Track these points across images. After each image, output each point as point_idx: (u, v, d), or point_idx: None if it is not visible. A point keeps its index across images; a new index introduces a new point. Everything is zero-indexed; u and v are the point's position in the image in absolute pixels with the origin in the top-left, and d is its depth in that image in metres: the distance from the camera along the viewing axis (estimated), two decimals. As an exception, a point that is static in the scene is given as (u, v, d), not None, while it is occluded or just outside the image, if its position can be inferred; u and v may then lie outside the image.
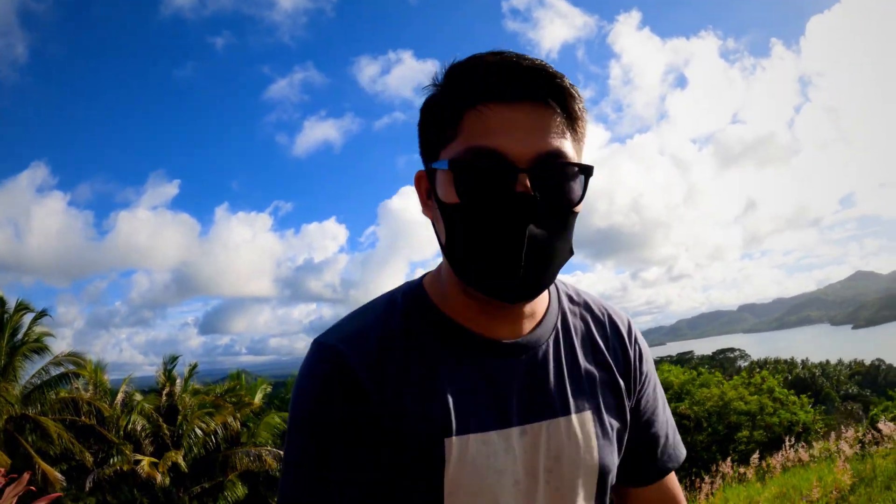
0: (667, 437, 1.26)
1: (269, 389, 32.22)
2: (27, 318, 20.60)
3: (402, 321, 1.05)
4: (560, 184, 0.94)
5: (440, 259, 1.09)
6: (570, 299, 1.21)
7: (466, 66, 0.97)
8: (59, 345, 20.75)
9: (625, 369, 1.18)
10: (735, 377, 28.37)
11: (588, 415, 1.09)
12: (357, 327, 1.04)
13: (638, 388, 1.21)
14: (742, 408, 23.30)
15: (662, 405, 1.27)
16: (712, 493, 10.47)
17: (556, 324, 1.13)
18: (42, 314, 20.96)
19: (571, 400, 1.08)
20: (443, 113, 0.98)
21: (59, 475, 19.45)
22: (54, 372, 21.06)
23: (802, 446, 12.10)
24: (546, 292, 1.14)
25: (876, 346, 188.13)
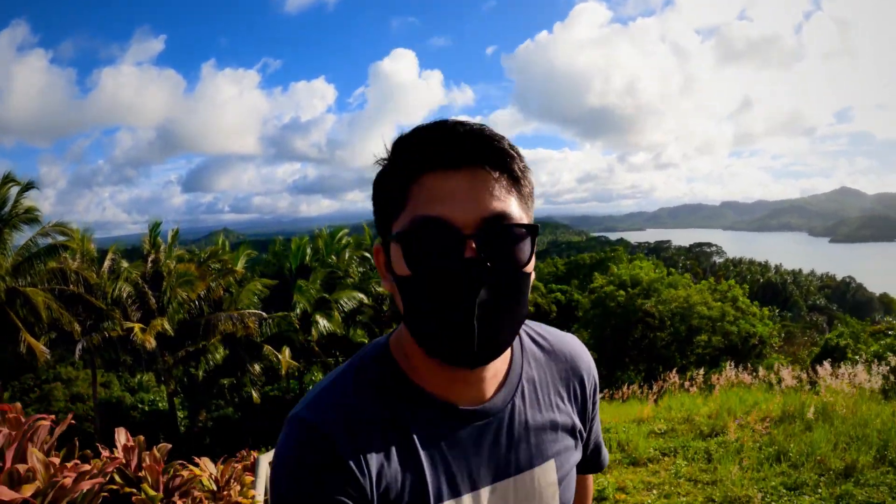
0: (595, 449, 1.38)
1: (252, 255, 32.96)
2: (14, 191, 20.89)
3: (374, 392, 1.06)
4: (507, 246, 0.95)
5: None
6: (535, 343, 1.24)
7: (409, 138, 0.99)
8: (43, 206, 21.00)
9: (582, 410, 1.25)
10: (703, 282, 29.26)
11: (550, 464, 1.16)
12: (332, 401, 1.04)
13: (588, 416, 1.29)
14: (704, 312, 24.29)
15: (597, 424, 1.37)
16: (660, 398, 11.38)
17: (520, 377, 1.17)
18: (29, 186, 21.19)
19: (535, 453, 1.14)
20: (390, 186, 1.00)
21: (44, 348, 20.31)
22: (42, 243, 21.53)
23: (747, 368, 12.77)
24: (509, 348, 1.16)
25: (850, 264, 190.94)
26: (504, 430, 1.12)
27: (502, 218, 0.94)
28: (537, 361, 1.22)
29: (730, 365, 12.06)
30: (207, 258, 28.60)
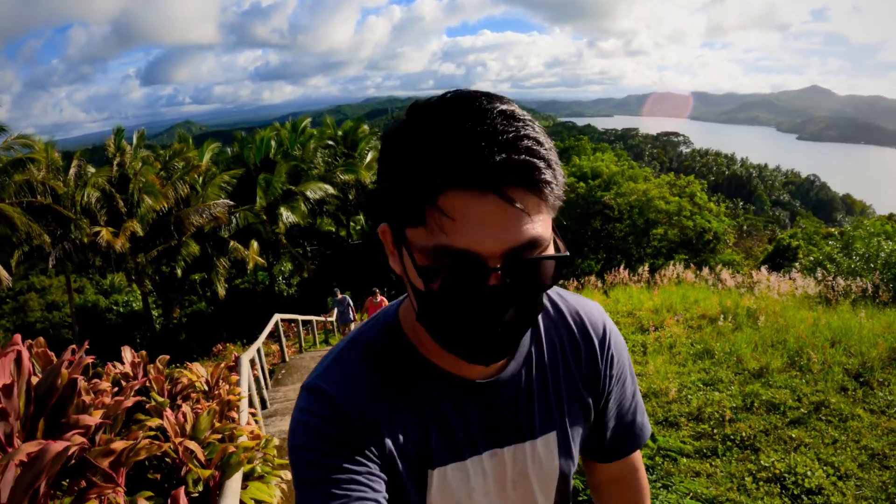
0: (633, 422, 1.32)
1: (217, 149, 32.92)
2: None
3: (384, 363, 1.09)
4: (535, 272, 0.91)
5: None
6: (545, 310, 1.22)
7: (432, 137, 0.86)
8: None
9: (593, 381, 1.22)
10: (662, 176, 29.77)
11: (552, 436, 1.18)
12: (344, 371, 1.08)
13: (608, 391, 1.25)
14: (662, 206, 24.88)
15: (631, 393, 1.31)
16: (611, 290, 12.12)
17: (529, 348, 1.16)
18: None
19: (538, 423, 1.16)
20: (406, 187, 0.89)
21: (5, 273, 20.56)
22: (6, 157, 21.50)
23: (696, 265, 13.45)
24: None
25: (815, 162, 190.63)
26: (508, 400, 1.14)
27: (534, 246, 0.88)
28: (547, 329, 1.21)
29: (675, 264, 12.68)
30: (172, 157, 28.58)
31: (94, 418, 1.81)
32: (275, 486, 3.45)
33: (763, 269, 11.66)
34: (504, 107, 0.88)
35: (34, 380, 2.00)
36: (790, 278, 11.23)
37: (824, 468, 4.18)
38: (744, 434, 4.75)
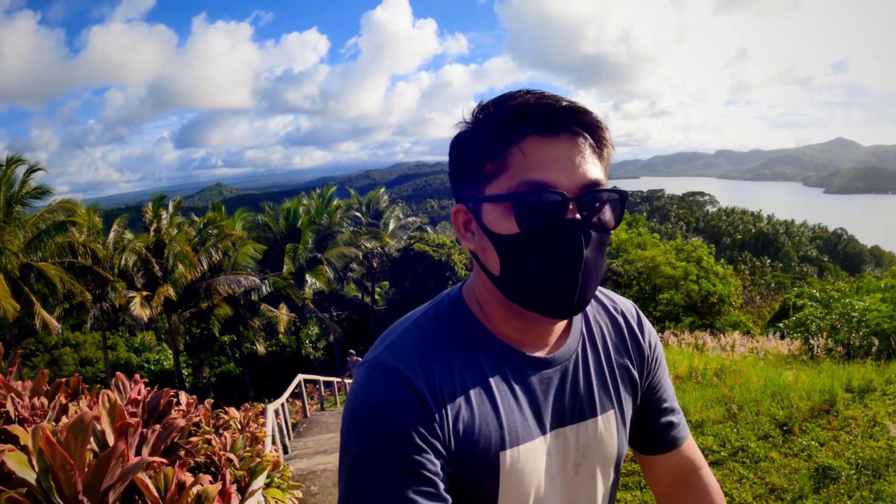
0: (678, 411, 1.35)
1: (249, 217, 34.25)
2: (21, 170, 22.12)
3: (451, 337, 1.09)
4: (603, 209, 1.01)
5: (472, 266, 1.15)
6: (596, 299, 1.30)
7: (502, 104, 1.02)
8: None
9: (640, 362, 1.27)
10: (671, 242, 30.76)
11: (611, 414, 1.20)
12: (414, 346, 1.06)
13: (651, 375, 1.30)
14: (668, 272, 25.90)
15: (668, 384, 1.35)
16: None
17: (581, 330, 1.22)
18: (35, 168, 22.45)
19: (598, 402, 1.18)
20: (483, 150, 1.01)
21: (56, 323, 21.91)
22: (50, 219, 22.96)
23: (675, 333, 14.30)
24: None
25: (842, 215, 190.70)
26: (570, 378, 1.15)
27: (598, 184, 0.99)
28: (594, 315, 1.26)
29: (671, 328, 13.44)
30: (205, 225, 30.20)
31: (183, 421, 2.80)
32: (288, 498, 4.57)
33: (730, 334, 12.29)
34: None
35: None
36: (779, 338, 12.11)
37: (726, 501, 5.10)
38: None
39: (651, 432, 1.33)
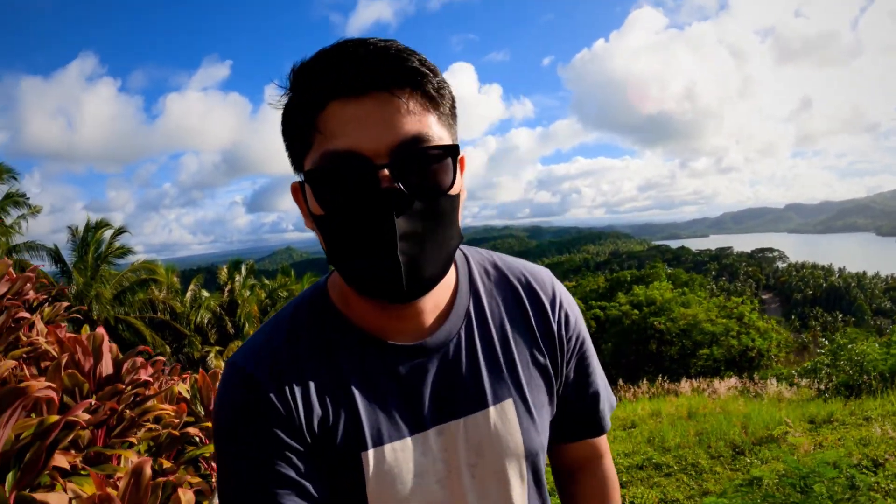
0: (597, 395, 1.21)
1: (317, 280, 36.04)
2: (108, 233, 24.73)
3: (307, 333, 1.02)
4: (426, 169, 0.88)
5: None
6: (486, 272, 1.15)
7: (310, 66, 0.90)
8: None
9: (548, 343, 1.12)
10: (713, 299, 31.48)
11: (508, 403, 1.05)
12: (264, 342, 1.01)
13: (566, 357, 1.15)
14: (709, 328, 26.73)
15: (591, 366, 1.21)
16: (636, 401, 14.13)
17: (467, 309, 1.08)
18: (121, 230, 25.07)
19: (489, 391, 1.04)
20: (295, 120, 0.92)
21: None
22: (133, 277, 25.33)
23: (691, 382, 15.26)
24: (452, 276, 1.09)
25: None
26: (449, 366, 1.03)
27: (417, 141, 0.86)
28: (488, 290, 1.12)
29: (693, 379, 14.48)
30: (276, 288, 32.22)
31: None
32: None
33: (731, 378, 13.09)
34: (378, 38, 0.88)
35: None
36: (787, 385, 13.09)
37: (660, 498, 6.24)
38: (623, 479, 6.84)
39: (570, 419, 1.20)
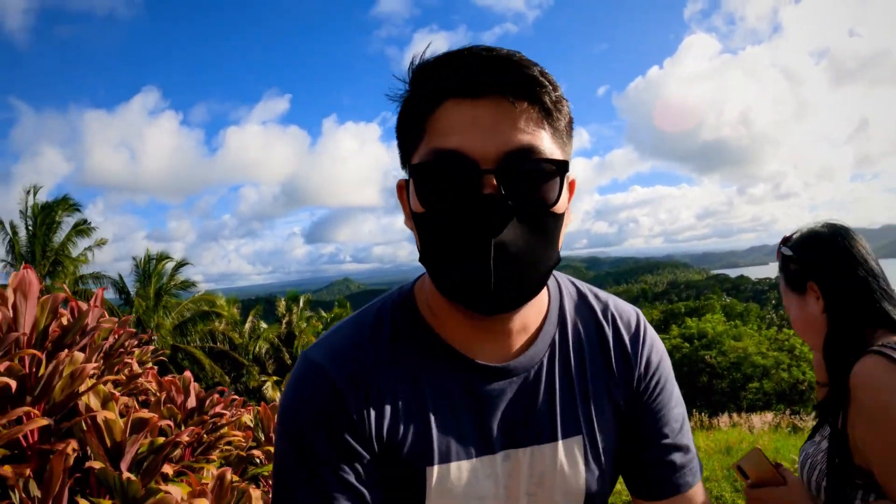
0: (685, 447, 1.10)
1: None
2: (169, 265, 25.90)
3: (390, 337, 1.00)
4: (531, 182, 0.86)
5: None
6: (574, 304, 1.11)
7: (430, 65, 0.90)
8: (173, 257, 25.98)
9: (626, 382, 1.08)
10: (765, 331, 31.25)
11: (577, 440, 1.02)
12: (345, 343, 0.99)
13: (645, 399, 1.09)
14: (759, 361, 26.60)
15: (680, 412, 1.12)
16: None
17: (553, 337, 1.05)
18: (182, 263, 26.27)
19: (560, 424, 1.02)
20: (409, 117, 0.92)
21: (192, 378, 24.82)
22: (194, 308, 26.29)
23: (732, 416, 15.46)
24: (544, 299, 1.07)
25: None
26: (527, 393, 1.01)
27: (529, 152, 0.84)
28: (574, 321, 1.09)
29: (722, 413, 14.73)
30: (332, 319, 33.05)
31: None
32: None
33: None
34: (502, 47, 0.87)
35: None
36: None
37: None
38: None
39: (644, 471, 1.08)
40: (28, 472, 1.58)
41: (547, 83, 0.87)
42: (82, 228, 23.93)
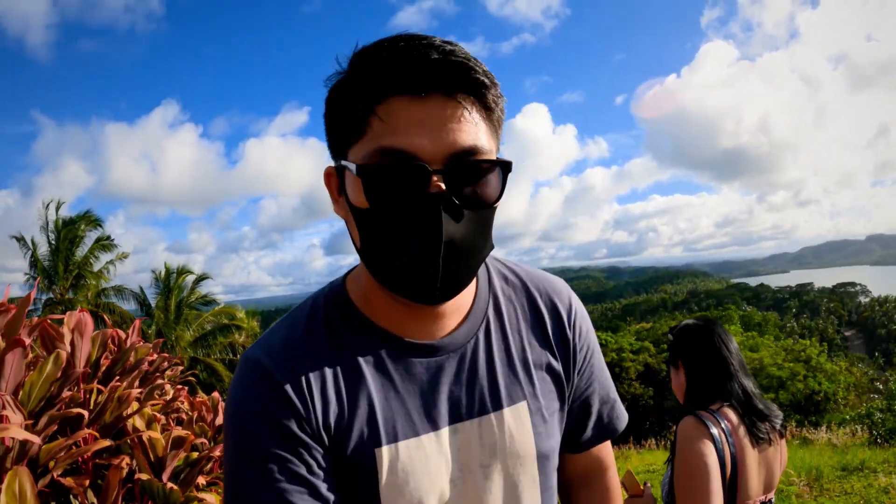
0: (601, 409, 1.23)
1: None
2: (190, 279, 26.16)
3: (325, 328, 1.02)
4: (477, 181, 0.90)
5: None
6: (504, 279, 1.17)
7: (372, 54, 0.89)
8: (194, 269, 26.19)
9: (563, 349, 1.14)
10: (782, 342, 31.22)
11: (522, 406, 1.07)
12: (282, 338, 1.01)
13: (578, 366, 1.17)
14: (774, 373, 26.53)
15: (600, 376, 1.23)
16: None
17: (485, 312, 1.10)
18: (203, 277, 26.62)
19: (504, 393, 1.05)
20: (348, 107, 0.91)
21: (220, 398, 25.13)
22: (214, 321, 26.64)
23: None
24: (473, 281, 1.10)
25: None
26: (466, 367, 1.05)
27: (472, 152, 0.88)
28: (506, 296, 1.14)
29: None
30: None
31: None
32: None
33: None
34: (439, 38, 0.88)
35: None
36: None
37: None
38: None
39: (573, 428, 1.20)
40: (87, 483, 1.89)
41: (490, 83, 0.90)
42: (105, 244, 24.39)
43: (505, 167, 0.93)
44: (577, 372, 1.17)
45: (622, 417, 1.27)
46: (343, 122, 0.93)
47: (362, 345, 1.01)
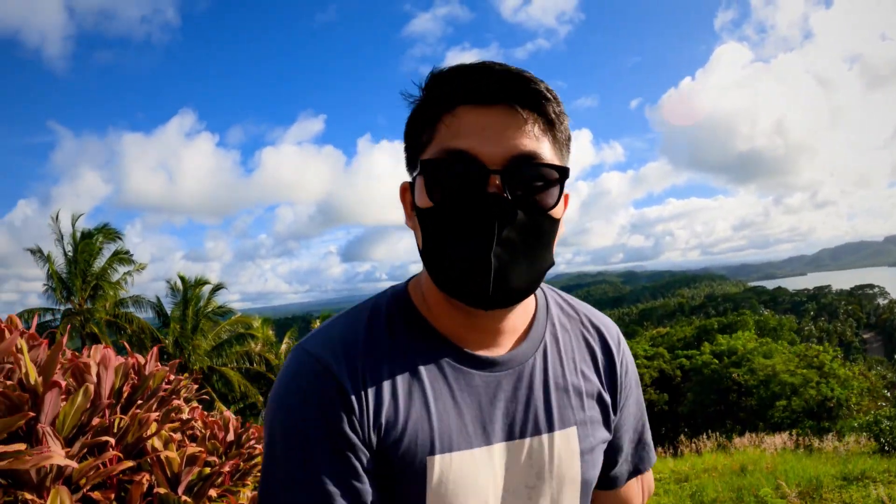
0: (634, 446, 1.25)
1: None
2: (207, 289, 26.35)
3: (386, 330, 1.02)
4: (534, 186, 0.92)
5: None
6: (560, 309, 1.19)
7: (444, 72, 0.97)
8: (210, 278, 26.28)
9: (611, 383, 1.17)
10: (795, 347, 31.17)
11: (572, 431, 1.08)
12: (341, 335, 1.00)
13: (621, 403, 1.19)
14: (787, 379, 26.45)
15: (637, 413, 1.25)
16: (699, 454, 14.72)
17: (543, 336, 1.11)
18: (219, 287, 26.80)
19: (557, 415, 1.06)
20: (421, 120, 0.97)
21: (232, 416, 25.41)
22: (231, 331, 26.95)
23: (750, 436, 15.59)
24: (532, 304, 1.13)
25: None
26: (523, 386, 1.05)
27: (531, 157, 0.91)
28: (562, 325, 1.16)
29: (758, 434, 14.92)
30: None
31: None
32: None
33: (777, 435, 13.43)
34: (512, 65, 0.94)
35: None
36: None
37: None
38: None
39: (605, 465, 1.19)
40: (112, 496, 2.17)
41: (551, 97, 0.95)
42: (123, 258, 24.72)
43: (562, 174, 0.95)
44: (621, 407, 1.19)
45: (651, 459, 1.29)
46: (416, 134, 0.99)
47: (423, 350, 1.02)
